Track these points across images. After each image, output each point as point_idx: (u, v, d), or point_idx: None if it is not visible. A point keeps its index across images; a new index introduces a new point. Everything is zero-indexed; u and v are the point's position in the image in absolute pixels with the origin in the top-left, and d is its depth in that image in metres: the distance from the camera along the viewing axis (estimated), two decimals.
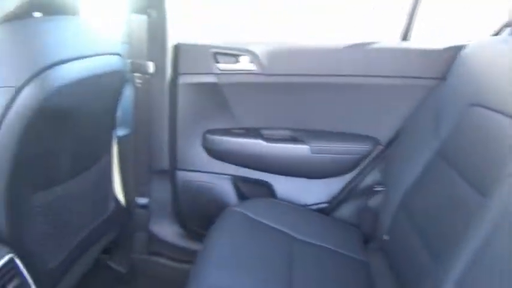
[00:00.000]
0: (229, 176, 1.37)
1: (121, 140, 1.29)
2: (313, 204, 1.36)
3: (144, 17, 1.15)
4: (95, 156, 1.11)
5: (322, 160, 1.31)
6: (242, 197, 1.38)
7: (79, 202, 1.06)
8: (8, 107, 0.74)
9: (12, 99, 0.74)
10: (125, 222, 1.34)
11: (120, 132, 1.29)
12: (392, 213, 1.10)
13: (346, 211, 1.35)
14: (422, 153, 1.06)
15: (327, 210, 1.36)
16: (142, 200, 1.35)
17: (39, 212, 0.89)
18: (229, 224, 1.11)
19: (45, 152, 0.87)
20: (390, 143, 1.30)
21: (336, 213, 1.35)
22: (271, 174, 1.36)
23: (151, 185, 1.35)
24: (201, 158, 1.36)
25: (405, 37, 1.31)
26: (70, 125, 0.92)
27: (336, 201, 1.35)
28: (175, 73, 1.26)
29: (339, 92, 1.28)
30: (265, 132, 1.34)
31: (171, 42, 1.22)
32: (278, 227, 1.13)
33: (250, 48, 1.24)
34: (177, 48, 1.24)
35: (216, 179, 1.37)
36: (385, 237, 1.11)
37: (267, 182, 1.37)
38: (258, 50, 1.24)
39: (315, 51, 1.26)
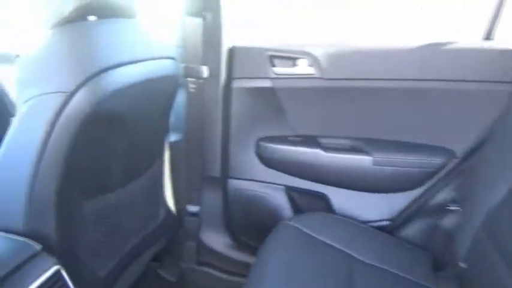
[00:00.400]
0: (283, 187, 1.30)
1: (173, 146, 1.27)
2: (374, 221, 1.24)
3: (199, 20, 1.12)
4: (147, 163, 1.08)
5: (386, 173, 1.19)
6: (296, 209, 1.30)
7: (130, 209, 1.04)
8: (60, 112, 0.72)
9: (65, 104, 0.72)
10: (175, 230, 1.32)
11: (172, 137, 1.27)
12: (471, 237, 0.96)
13: (412, 231, 1.21)
14: (510, 167, 0.91)
15: (389, 229, 1.24)
16: (193, 208, 1.32)
17: (90, 219, 0.87)
18: (283, 238, 1.04)
19: (97, 157, 0.85)
20: (468, 155, 1.15)
21: (401, 233, 1.22)
22: (329, 186, 1.26)
23: (202, 192, 1.32)
24: (254, 166, 1.30)
25: (489, 36, 1.15)
26: (122, 130, 0.90)
27: (401, 219, 1.23)
28: (229, 77, 1.22)
29: (407, 97, 1.16)
30: (323, 140, 1.25)
31: (225, 46, 1.18)
32: (336, 245, 1.04)
33: (309, 50, 1.16)
34: (231, 51, 1.20)
35: (270, 189, 1.30)
36: (462, 264, 0.97)
37: (323, 194, 1.27)
38: (318, 52, 1.16)
39: (382, 52, 1.15)
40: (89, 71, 0.75)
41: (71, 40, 0.76)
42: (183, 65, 1.13)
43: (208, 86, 1.18)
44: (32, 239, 0.73)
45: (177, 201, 1.33)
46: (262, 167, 1.30)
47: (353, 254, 1.02)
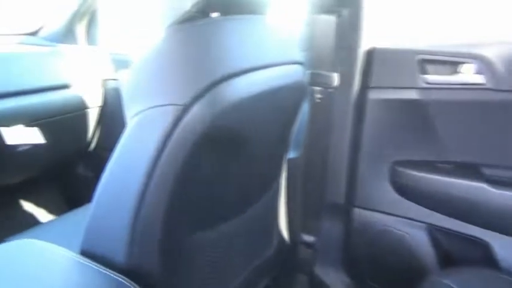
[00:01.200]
0: (425, 225, 1.04)
1: (291, 164, 1.10)
2: None
3: (331, 18, 0.94)
4: (264, 188, 0.93)
5: None
6: (443, 256, 1.03)
7: (242, 239, 0.89)
8: (171, 128, 0.60)
9: (177, 120, 0.59)
10: (288, 261, 1.15)
11: (291, 154, 1.10)
12: None
13: None
14: None
15: None
16: (309, 238, 1.16)
17: (198, 254, 0.74)
18: None
19: (210, 181, 0.72)
20: None
21: None
22: (494, 233, 0.97)
23: (321, 221, 1.14)
24: (388, 195, 1.08)
25: None
26: (241, 148, 0.75)
27: None
28: (365, 86, 1.03)
29: None
30: (488, 171, 0.96)
31: (362, 48, 0.97)
32: None
33: (481, 52, 0.88)
34: (369, 54, 1.00)
35: (406, 225, 1.06)
36: None
37: (484, 241, 0.98)
38: (493, 53, 0.87)
39: None
40: (208, 79, 0.61)
41: (188, 42, 0.64)
42: (309, 71, 0.96)
43: (338, 96, 1.01)
44: (131, 277, 0.62)
45: (291, 228, 1.16)
46: (397, 197, 1.07)
47: None
